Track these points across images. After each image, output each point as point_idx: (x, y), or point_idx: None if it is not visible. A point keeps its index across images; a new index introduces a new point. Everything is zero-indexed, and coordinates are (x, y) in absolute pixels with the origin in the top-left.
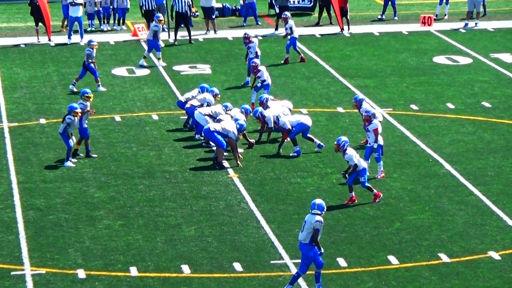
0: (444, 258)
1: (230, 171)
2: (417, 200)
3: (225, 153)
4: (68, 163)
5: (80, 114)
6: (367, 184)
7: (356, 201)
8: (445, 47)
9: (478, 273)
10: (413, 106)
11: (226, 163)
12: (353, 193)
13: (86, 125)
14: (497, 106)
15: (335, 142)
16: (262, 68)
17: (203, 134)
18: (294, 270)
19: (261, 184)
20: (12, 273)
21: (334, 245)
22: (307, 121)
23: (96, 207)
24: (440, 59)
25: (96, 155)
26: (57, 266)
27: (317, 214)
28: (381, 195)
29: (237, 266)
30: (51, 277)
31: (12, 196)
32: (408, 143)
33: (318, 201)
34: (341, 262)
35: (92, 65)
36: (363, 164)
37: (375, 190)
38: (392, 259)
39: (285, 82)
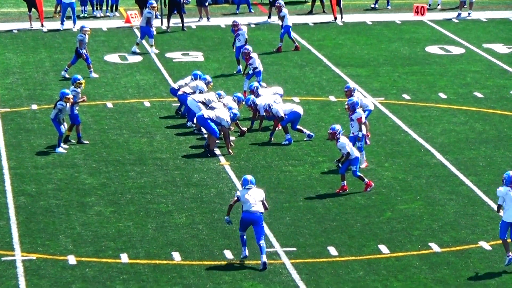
0: (435, 247)
1: (222, 158)
2: (408, 189)
3: (217, 141)
4: (60, 149)
5: (71, 100)
6: (358, 173)
7: (347, 190)
8: (438, 37)
9: (468, 263)
10: (405, 96)
11: (217, 151)
12: (344, 182)
13: (77, 111)
14: (489, 96)
15: (329, 130)
16: (254, 55)
17: (196, 121)
18: (284, 258)
19: (253, 172)
20: (2, 258)
21: (325, 234)
22: (299, 109)
23: (87, 193)
24: (432, 49)
25: (87, 142)
26: (47, 252)
27: (252, 188)
28: (373, 184)
29: (228, 253)
30: (41, 263)
31: (3, 181)
32: (399, 133)
33: (249, 177)
34: (332, 250)
35: (84, 51)
36: (356, 153)
37: (366, 180)
38: (383, 248)
39: (278, 70)
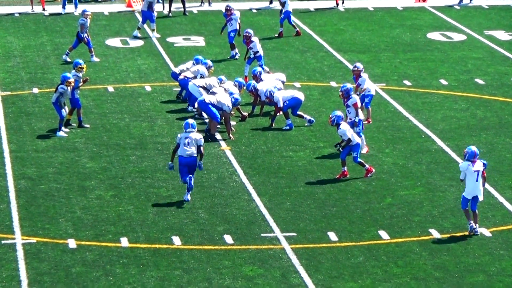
0: (435, 233)
1: (222, 143)
2: (409, 175)
3: (218, 126)
4: (60, 133)
5: (73, 84)
6: (359, 159)
7: (348, 175)
8: (439, 24)
9: (468, 249)
10: (406, 82)
11: (218, 136)
12: (345, 167)
13: (78, 95)
14: (490, 83)
15: (330, 116)
16: (255, 39)
17: (197, 106)
18: (284, 243)
19: (253, 157)
20: (2, 242)
21: (325, 219)
22: (300, 96)
23: (88, 177)
24: (434, 35)
25: (88, 126)
26: (48, 235)
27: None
28: (373, 170)
29: (228, 238)
30: (41, 246)
31: (4, 165)
32: (400, 119)
33: (191, 121)
34: (332, 236)
35: (85, 35)
36: (357, 139)
37: (367, 165)
38: (383, 234)
39: (279, 55)
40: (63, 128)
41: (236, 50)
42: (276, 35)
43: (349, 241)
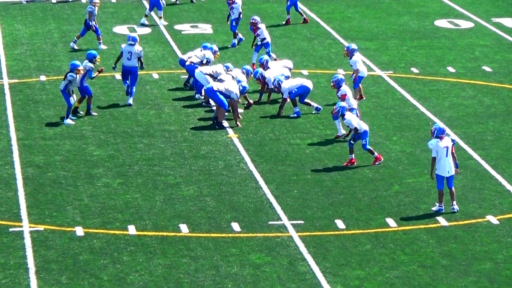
0: (442, 221)
1: (230, 131)
2: (416, 163)
3: (225, 113)
4: (68, 121)
5: (82, 72)
6: (368, 146)
7: (355, 163)
8: (446, 11)
9: (476, 237)
10: (414, 69)
11: (226, 123)
12: (353, 155)
13: (87, 83)
14: (497, 70)
15: (334, 108)
16: (262, 26)
17: (204, 93)
18: (292, 231)
19: (261, 144)
20: (10, 229)
21: (332, 207)
22: (309, 84)
23: (95, 165)
24: (441, 23)
25: (96, 114)
26: (55, 223)
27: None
28: (382, 158)
29: (235, 226)
30: (49, 234)
31: (12, 152)
32: (408, 106)
33: (134, 34)
34: (340, 224)
35: (93, 23)
36: (364, 126)
37: (376, 153)
38: (390, 221)
39: (286, 43)
40: (70, 115)
41: (240, 36)
42: (284, 22)
43: (357, 229)
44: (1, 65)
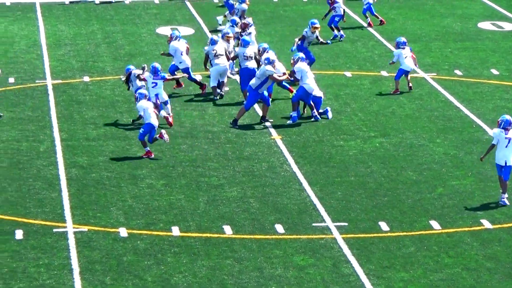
0: (487, 224)
1: (273, 132)
2: (460, 165)
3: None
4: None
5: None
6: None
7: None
8: (490, 13)
9: None
10: (457, 72)
11: (268, 123)
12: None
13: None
14: None
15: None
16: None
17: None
18: (336, 233)
19: (304, 146)
20: (54, 230)
21: (376, 209)
22: (318, 93)
23: (139, 166)
24: (485, 25)
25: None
26: (99, 224)
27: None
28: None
29: (279, 228)
30: (93, 235)
31: (55, 153)
32: (451, 109)
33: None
34: (383, 226)
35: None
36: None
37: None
38: (434, 224)
39: (330, 45)
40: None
41: (341, 32)
42: (366, 25)
43: (400, 231)
44: (44, 66)
